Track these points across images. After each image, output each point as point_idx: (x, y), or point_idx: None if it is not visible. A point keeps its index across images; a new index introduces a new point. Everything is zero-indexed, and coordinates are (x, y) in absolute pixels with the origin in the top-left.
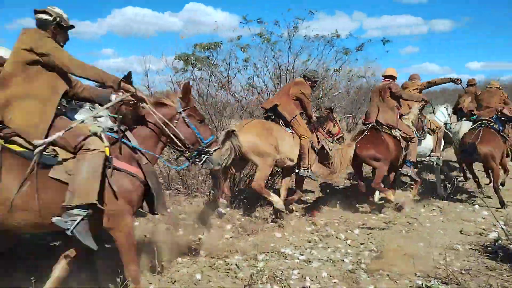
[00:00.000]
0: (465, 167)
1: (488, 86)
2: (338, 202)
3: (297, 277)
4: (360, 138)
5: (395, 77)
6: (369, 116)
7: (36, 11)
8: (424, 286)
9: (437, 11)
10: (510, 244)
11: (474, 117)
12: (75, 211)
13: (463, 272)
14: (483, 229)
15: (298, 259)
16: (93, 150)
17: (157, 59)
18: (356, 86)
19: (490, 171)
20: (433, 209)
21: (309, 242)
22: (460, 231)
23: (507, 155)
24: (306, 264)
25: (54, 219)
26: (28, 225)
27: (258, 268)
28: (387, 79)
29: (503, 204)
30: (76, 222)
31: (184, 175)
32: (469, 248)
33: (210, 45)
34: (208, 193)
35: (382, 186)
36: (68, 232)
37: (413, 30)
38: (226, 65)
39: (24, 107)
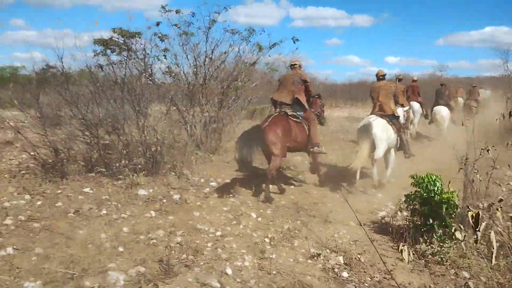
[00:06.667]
0: None
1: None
2: (253, 184)
3: (210, 249)
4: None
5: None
6: None
7: None
8: (315, 253)
9: (359, 7)
10: (393, 220)
11: None
12: None
13: (351, 243)
14: (375, 208)
15: (213, 234)
16: None
17: (74, 33)
18: (267, 79)
19: None
20: (337, 191)
21: (225, 220)
22: (356, 210)
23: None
24: (220, 238)
25: None
26: None
27: (176, 241)
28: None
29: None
30: None
31: (106, 158)
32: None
33: (129, 33)
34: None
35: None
36: None
37: (337, 23)
38: (144, 53)
39: None
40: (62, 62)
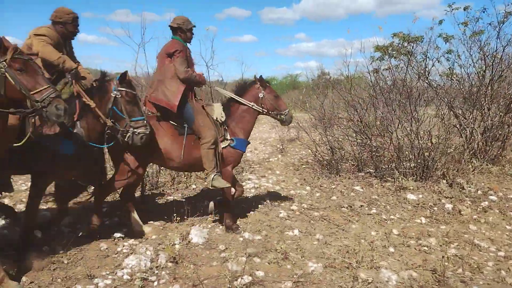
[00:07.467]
0: None
1: None
2: None
3: (491, 269)
4: None
5: None
6: None
7: None
8: None
9: None
10: None
11: None
12: None
13: None
14: None
15: (494, 253)
16: None
17: (348, 41)
18: None
19: None
20: None
21: (508, 239)
22: None
23: None
24: (503, 259)
25: None
26: None
27: (451, 253)
28: None
29: None
30: None
31: (376, 160)
32: None
33: (411, 38)
34: (398, 179)
35: None
36: None
37: None
38: (423, 56)
39: None
40: (348, 69)
